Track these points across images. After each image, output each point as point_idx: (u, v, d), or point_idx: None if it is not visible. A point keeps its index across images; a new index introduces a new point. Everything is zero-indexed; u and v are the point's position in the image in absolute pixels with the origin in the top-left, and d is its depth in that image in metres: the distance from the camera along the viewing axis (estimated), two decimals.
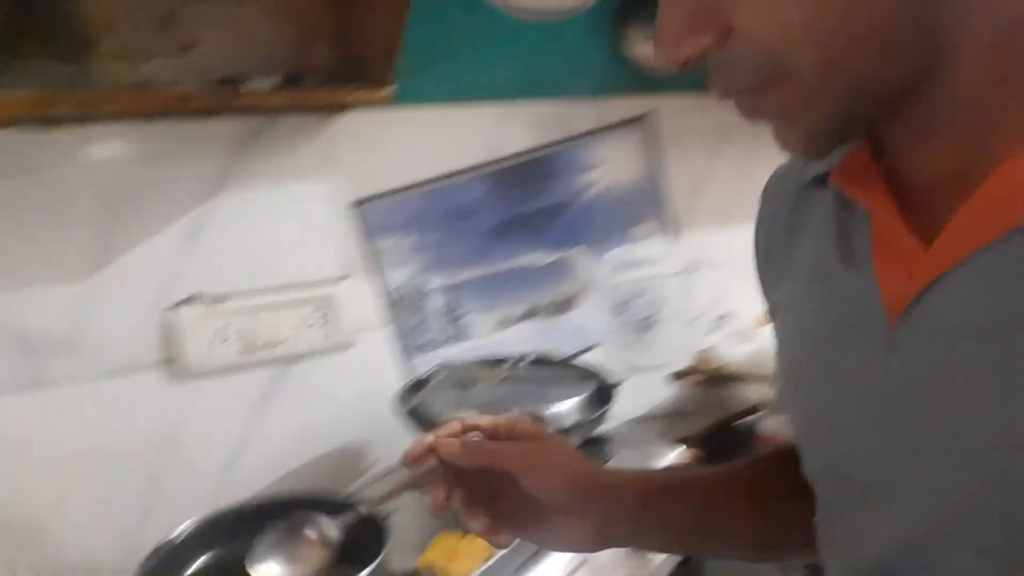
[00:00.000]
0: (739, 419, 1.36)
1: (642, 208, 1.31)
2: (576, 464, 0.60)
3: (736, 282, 1.45)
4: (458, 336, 1.17)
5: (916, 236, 0.42)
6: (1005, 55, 0.38)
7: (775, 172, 0.61)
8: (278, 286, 1.02)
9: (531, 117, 1.19)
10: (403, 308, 1.12)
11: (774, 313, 0.57)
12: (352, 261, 1.07)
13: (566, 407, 0.91)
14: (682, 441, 1.34)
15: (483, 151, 1.16)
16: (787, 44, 0.38)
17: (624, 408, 1.33)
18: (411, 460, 0.59)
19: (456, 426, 0.61)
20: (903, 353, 0.42)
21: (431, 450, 0.59)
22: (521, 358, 1.10)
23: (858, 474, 0.46)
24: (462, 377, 1.01)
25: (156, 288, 0.95)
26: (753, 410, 1.35)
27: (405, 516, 0.87)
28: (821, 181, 0.50)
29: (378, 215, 1.08)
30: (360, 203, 1.07)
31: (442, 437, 0.60)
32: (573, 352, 1.28)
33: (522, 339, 1.22)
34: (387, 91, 0.91)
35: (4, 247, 0.85)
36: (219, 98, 0.87)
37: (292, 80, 0.91)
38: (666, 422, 1.39)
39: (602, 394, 0.96)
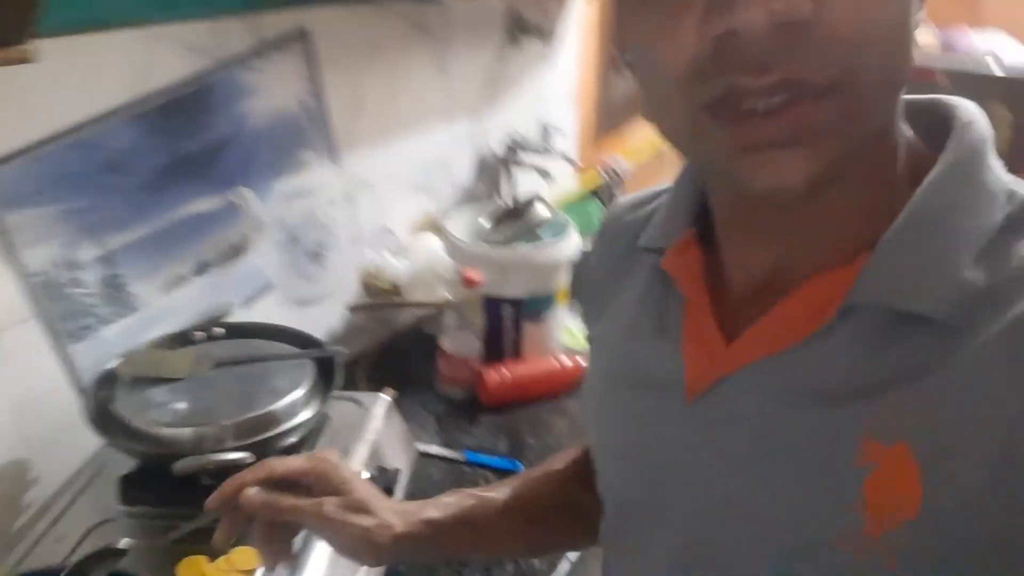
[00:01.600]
0: (412, 331, 1.43)
1: (306, 133, 1.22)
2: (371, 524, 0.62)
3: (393, 198, 1.47)
4: (123, 310, 1.00)
5: (722, 329, 0.49)
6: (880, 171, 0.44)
7: (614, 210, 0.65)
8: None
9: (183, 40, 0.99)
10: (51, 292, 0.91)
11: (590, 341, 0.64)
12: None
13: (295, 398, 0.87)
14: (355, 361, 1.38)
15: (131, 87, 0.94)
16: (868, 43, 0.38)
17: None
18: (212, 507, 0.61)
19: (263, 471, 0.61)
20: (691, 427, 0.49)
21: (233, 496, 0.60)
22: (210, 329, 0.99)
23: (641, 502, 0.55)
24: (158, 370, 0.88)
25: None
26: (423, 323, 1.43)
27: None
28: (652, 251, 0.56)
29: (4, 185, 0.84)
30: None
31: (247, 485, 0.60)
32: (248, 296, 1.19)
33: (195, 297, 1.10)
34: (25, 48, 0.68)
35: None
36: None
37: None
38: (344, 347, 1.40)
39: (323, 369, 0.94)
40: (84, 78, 0.89)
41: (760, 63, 0.37)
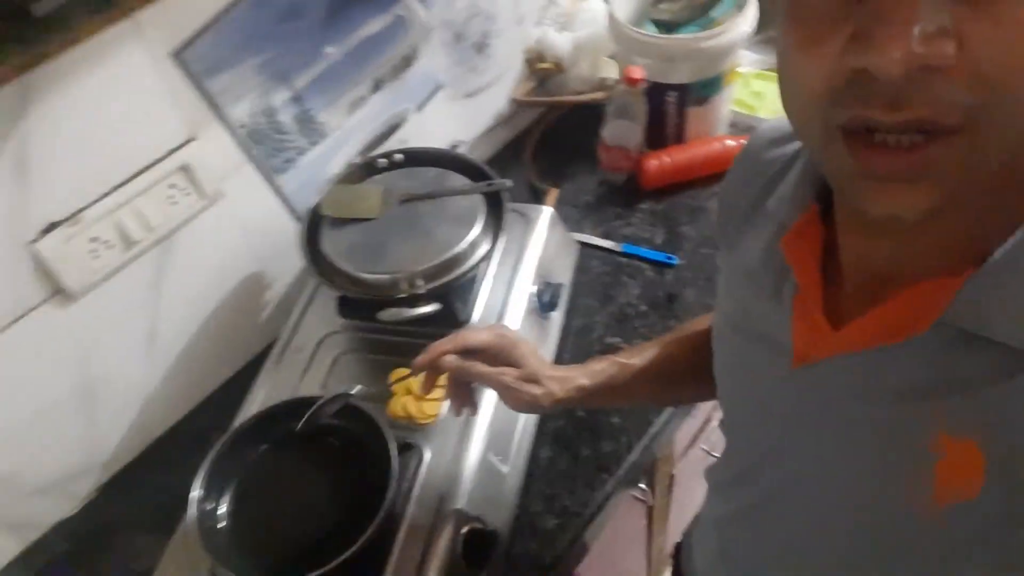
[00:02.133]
0: (575, 109, 1.45)
1: None
2: (539, 392, 0.78)
3: None
4: (315, 138, 1.12)
5: (828, 310, 0.53)
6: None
7: (756, 139, 0.65)
8: (128, 177, 0.91)
9: None
10: (257, 138, 1.04)
11: (720, 267, 0.70)
12: (192, 116, 0.95)
13: (473, 237, 0.98)
14: (521, 140, 1.45)
15: None
16: (1010, 84, 0.37)
17: (471, 129, 1.40)
18: (418, 367, 0.79)
19: (459, 343, 0.78)
20: (794, 390, 0.56)
21: (435, 359, 0.77)
22: (391, 156, 1.10)
23: (740, 445, 0.66)
24: (353, 210, 1.02)
25: (9, 233, 0.84)
26: (587, 104, 1.44)
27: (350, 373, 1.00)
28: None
29: (202, 58, 0.92)
30: (179, 52, 0.90)
31: (447, 352, 0.78)
32: (421, 101, 1.26)
33: (375, 113, 1.19)
34: None
35: None
36: None
37: None
38: (507, 130, 1.46)
39: (492, 203, 1.03)
40: None
41: (893, 100, 0.38)
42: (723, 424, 0.70)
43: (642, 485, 1.29)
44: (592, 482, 1.00)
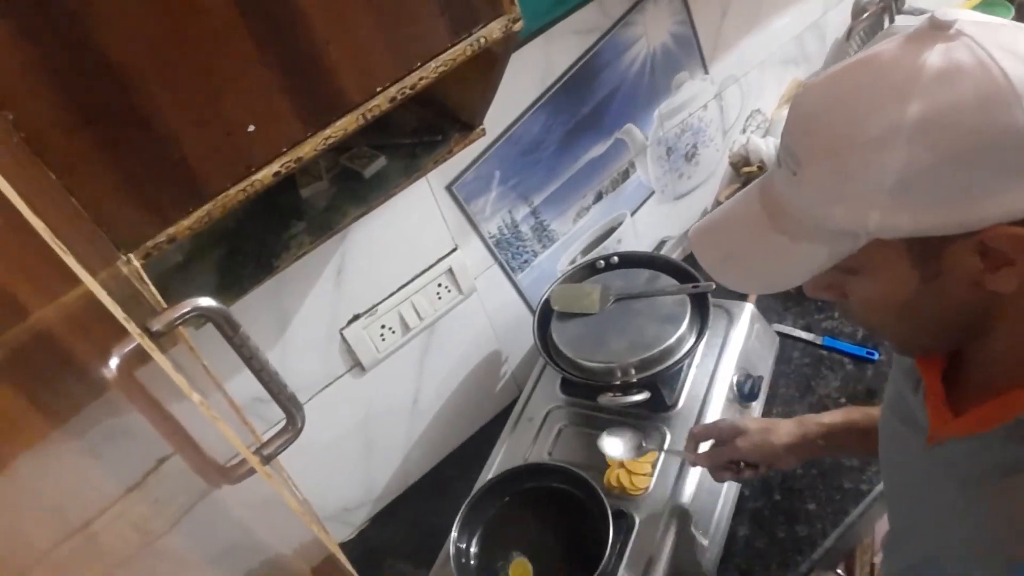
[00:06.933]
0: None
1: (679, 58, 1.35)
2: (768, 449, 0.97)
3: (760, 81, 1.54)
4: (547, 243, 1.34)
5: (951, 401, 0.69)
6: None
7: None
8: (410, 279, 1.18)
9: (573, 28, 1.18)
10: (502, 245, 1.28)
11: (894, 356, 0.85)
12: (456, 232, 1.21)
13: (680, 333, 1.14)
14: None
15: (539, 84, 1.19)
16: (875, 328, 0.68)
17: (678, 226, 1.55)
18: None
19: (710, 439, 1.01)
20: (927, 464, 0.70)
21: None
22: (608, 259, 1.29)
23: (895, 505, 0.80)
24: (576, 305, 1.22)
25: (328, 321, 1.13)
26: None
27: (571, 444, 1.19)
28: None
29: (466, 188, 1.18)
30: (450, 186, 1.16)
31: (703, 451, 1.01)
32: (635, 206, 1.45)
33: (595, 219, 1.39)
34: (480, 129, 0.96)
35: None
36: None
37: (389, 144, 0.96)
38: None
39: (699, 304, 1.18)
40: (507, 92, 1.15)
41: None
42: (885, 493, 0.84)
43: (840, 572, 1.34)
44: (787, 562, 1.09)
